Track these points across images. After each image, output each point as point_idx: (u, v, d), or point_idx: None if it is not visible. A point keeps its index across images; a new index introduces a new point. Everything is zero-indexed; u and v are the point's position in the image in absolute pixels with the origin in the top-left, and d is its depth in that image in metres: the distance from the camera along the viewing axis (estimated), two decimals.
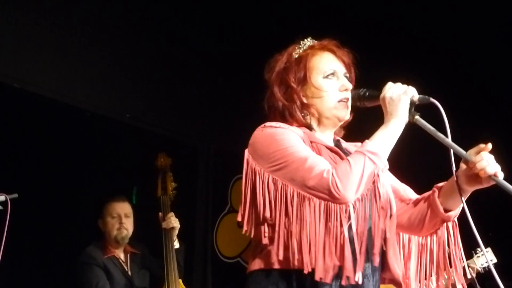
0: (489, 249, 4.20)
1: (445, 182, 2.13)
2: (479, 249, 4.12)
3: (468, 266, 3.84)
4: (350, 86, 2.19)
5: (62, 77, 4.90)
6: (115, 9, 5.37)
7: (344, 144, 2.30)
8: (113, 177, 5.23)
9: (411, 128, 2.09)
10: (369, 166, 1.94)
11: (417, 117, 2.03)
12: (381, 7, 5.38)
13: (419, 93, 2.06)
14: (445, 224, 2.15)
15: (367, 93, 2.16)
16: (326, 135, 2.23)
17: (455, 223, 2.16)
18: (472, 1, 5.16)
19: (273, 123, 2.12)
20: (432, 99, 2.02)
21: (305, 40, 2.28)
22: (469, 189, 2.06)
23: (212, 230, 6.05)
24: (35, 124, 4.86)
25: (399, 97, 2.00)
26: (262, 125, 2.13)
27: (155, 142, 5.46)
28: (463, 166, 2.02)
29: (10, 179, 4.28)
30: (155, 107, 5.61)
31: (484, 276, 4.12)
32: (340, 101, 2.16)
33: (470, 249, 4.09)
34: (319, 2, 5.48)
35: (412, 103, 2.03)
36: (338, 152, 2.13)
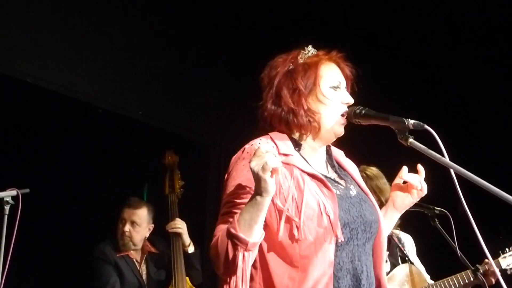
0: None
1: None
2: (507, 248, 4.04)
3: (478, 271, 3.79)
4: (352, 100, 2.19)
5: (74, 74, 4.93)
6: (129, 8, 5.39)
7: (334, 151, 2.30)
8: (124, 173, 5.24)
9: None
10: (231, 249, 1.92)
11: (411, 140, 2.03)
12: (380, 36, 5.46)
13: (413, 119, 2.06)
14: None
15: (363, 112, 2.15)
16: (318, 146, 2.21)
17: None
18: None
19: (254, 148, 1.98)
20: (426, 126, 2.01)
21: (308, 47, 2.25)
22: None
23: None
24: (47, 120, 4.88)
25: (257, 175, 1.85)
26: (245, 146, 2.11)
27: (166, 140, 5.47)
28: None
29: (22, 174, 4.30)
30: (168, 105, 5.63)
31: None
32: (341, 115, 2.16)
33: (495, 249, 4.06)
34: (331, 12, 5.53)
35: (406, 128, 2.03)
36: (322, 179, 2.08)
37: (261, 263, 2.04)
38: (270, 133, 2.17)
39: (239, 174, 2.05)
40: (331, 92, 2.17)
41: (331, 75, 2.19)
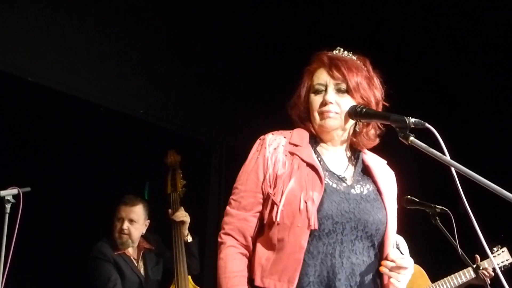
0: (504, 248, 4.17)
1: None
2: (495, 248, 4.09)
3: (481, 269, 3.81)
4: (330, 99, 2.22)
5: (76, 72, 4.93)
6: (131, 5, 5.39)
7: (368, 157, 2.34)
8: (126, 172, 5.24)
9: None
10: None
11: (412, 138, 2.03)
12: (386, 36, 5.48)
13: (414, 118, 2.06)
14: None
15: (364, 110, 2.19)
16: (333, 147, 2.30)
17: None
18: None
19: (264, 138, 2.27)
20: (427, 125, 2.02)
21: (336, 51, 2.33)
22: None
23: None
24: (48, 118, 4.88)
25: None
26: (260, 137, 2.30)
27: (168, 138, 5.47)
28: None
29: (23, 172, 4.30)
30: (169, 104, 5.62)
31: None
32: (321, 113, 2.24)
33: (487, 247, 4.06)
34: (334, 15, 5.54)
35: (407, 127, 2.03)
36: (317, 170, 2.16)
37: (252, 246, 2.19)
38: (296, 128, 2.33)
39: (247, 163, 2.26)
40: (313, 98, 2.27)
41: (314, 80, 2.29)
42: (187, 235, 4.54)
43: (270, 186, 2.16)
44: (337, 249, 2.09)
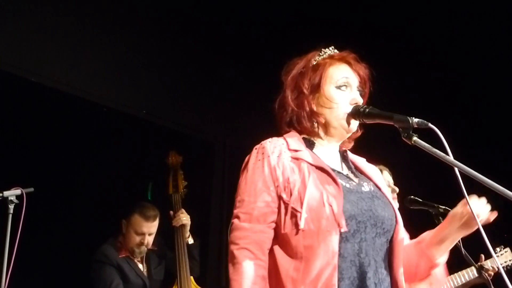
0: (507, 249, 4.18)
1: (430, 231, 2.20)
2: (498, 248, 4.10)
3: (482, 268, 3.82)
4: (360, 100, 2.22)
5: (79, 72, 4.94)
6: (134, 7, 5.39)
7: (351, 156, 2.34)
8: (128, 172, 5.23)
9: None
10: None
11: (415, 138, 2.03)
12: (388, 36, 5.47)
13: (417, 118, 2.06)
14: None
15: (367, 110, 2.18)
16: (332, 146, 2.27)
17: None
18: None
19: (264, 147, 2.17)
20: (430, 125, 2.02)
21: (327, 48, 2.30)
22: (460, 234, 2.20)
23: (227, 226, 6.02)
24: (51, 118, 4.87)
25: None
26: (256, 146, 2.20)
27: (171, 138, 5.48)
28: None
29: (26, 173, 4.30)
30: (172, 104, 5.63)
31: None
32: (348, 114, 2.19)
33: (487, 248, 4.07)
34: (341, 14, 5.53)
35: (410, 127, 2.03)
36: (328, 172, 2.13)
37: (270, 257, 2.09)
38: (284, 135, 2.24)
39: (251, 173, 2.15)
40: (336, 92, 2.21)
41: (338, 75, 2.23)
42: (188, 237, 4.54)
43: (285, 194, 2.08)
44: (362, 248, 2.07)
